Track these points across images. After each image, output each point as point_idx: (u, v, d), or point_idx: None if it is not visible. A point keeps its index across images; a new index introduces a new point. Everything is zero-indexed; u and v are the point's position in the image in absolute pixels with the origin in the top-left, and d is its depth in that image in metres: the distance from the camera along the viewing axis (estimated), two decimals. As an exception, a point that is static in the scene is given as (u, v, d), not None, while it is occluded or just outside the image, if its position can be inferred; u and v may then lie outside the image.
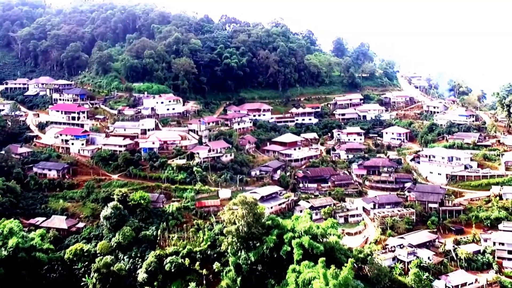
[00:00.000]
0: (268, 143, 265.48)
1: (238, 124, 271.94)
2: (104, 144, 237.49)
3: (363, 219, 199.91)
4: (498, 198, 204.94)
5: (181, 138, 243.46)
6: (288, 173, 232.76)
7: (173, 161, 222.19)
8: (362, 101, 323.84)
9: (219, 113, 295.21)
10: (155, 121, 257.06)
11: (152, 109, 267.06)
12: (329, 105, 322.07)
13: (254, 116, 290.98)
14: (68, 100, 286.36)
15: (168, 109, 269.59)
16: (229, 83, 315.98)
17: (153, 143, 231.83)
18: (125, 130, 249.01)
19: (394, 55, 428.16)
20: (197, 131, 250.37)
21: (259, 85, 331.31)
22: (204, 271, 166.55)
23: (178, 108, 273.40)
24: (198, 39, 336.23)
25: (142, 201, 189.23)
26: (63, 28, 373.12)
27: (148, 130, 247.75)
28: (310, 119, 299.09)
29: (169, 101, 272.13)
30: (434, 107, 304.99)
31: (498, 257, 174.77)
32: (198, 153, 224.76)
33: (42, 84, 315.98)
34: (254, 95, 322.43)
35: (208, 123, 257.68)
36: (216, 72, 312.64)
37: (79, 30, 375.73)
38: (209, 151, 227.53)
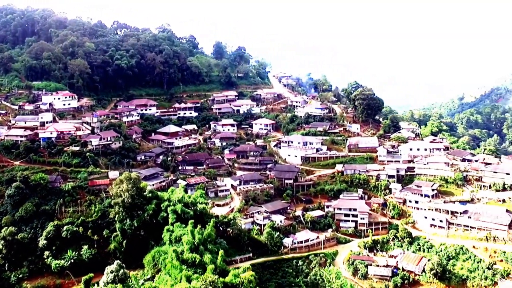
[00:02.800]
0: (153, 134, 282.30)
1: (127, 117, 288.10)
2: (7, 135, 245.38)
3: (230, 194, 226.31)
4: (340, 174, 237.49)
5: (76, 129, 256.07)
6: (169, 158, 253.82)
7: (68, 148, 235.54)
8: (236, 97, 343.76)
9: (110, 108, 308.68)
10: (53, 114, 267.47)
11: (50, 104, 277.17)
12: (208, 101, 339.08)
13: (142, 110, 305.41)
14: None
15: (64, 105, 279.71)
16: (119, 81, 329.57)
17: (51, 133, 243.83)
18: (25, 123, 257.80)
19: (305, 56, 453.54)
20: (90, 123, 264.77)
21: (146, 84, 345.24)
22: (96, 237, 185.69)
23: (73, 103, 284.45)
24: (92, 42, 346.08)
25: (42, 181, 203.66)
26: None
27: (46, 122, 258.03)
28: (190, 113, 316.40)
29: (65, 98, 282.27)
30: (297, 102, 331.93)
31: (337, 220, 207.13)
32: (90, 141, 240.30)
33: None
34: (142, 92, 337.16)
35: (100, 116, 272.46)
36: (108, 72, 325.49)
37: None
38: (100, 139, 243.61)
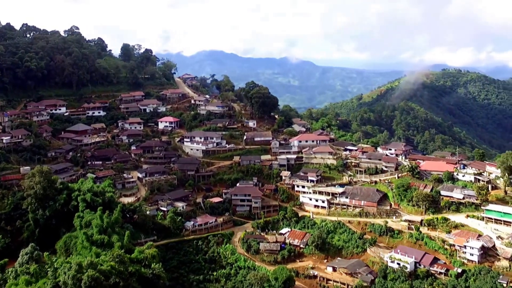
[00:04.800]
0: (63, 132, 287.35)
1: (37, 117, 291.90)
2: None
3: (137, 185, 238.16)
4: (237, 165, 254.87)
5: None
6: (79, 154, 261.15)
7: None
8: (143, 97, 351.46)
9: (20, 108, 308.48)
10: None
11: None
12: (116, 101, 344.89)
13: (52, 110, 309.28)
14: None
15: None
16: (29, 83, 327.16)
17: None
18: None
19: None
20: (1, 123, 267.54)
21: (56, 85, 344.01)
22: (9, 228, 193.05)
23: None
24: (1, 45, 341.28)
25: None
26: None
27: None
28: (99, 112, 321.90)
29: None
30: (200, 101, 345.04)
31: (234, 205, 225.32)
32: (2, 139, 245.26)
33: None
34: (52, 93, 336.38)
35: (11, 116, 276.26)
36: (18, 74, 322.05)
37: None
38: (12, 137, 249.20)
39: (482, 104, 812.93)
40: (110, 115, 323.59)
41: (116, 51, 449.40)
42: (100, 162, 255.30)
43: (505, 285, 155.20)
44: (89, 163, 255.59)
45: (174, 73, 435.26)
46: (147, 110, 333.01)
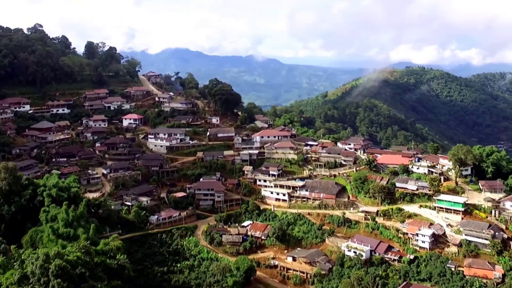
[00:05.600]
0: (27, 130, 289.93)
1: (1, 115, 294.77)
2: None
3: (101, 181, 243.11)
4: (201, 160, 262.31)
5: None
6: (43, 151, 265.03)
7: None
8: (108, 94, 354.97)
9: None
10: None
11: None
12: (80, 99, 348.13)
13: (16, 108, 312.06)
14: None
15: None
16: None
17: None
18: None
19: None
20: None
21: (20, 83, 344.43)
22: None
23: None
24: None
25: None
26: None
27: None
28: (63, 110, 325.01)
29: None
30: (164, 98, 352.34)
31: (197, 199, 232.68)
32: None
33: None
34: (16, 91, 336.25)
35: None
36: None
37: None
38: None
39: (444, 101, 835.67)
40: (75, 113, 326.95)
41: (80, 49, 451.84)
42: (65, 159, 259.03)
43: (453, 269, 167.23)
44: (53, 160, 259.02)
45: (139, 71, 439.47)
46: (112, 108, 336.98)
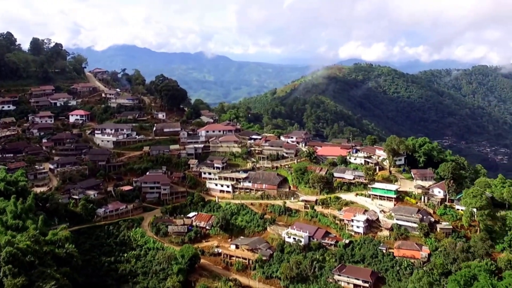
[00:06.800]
0: None
1: None
2: None
3: (48, 176, 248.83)
4: (147, 154, 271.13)
5: None
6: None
7: None
8: (54, 91, 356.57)
9: None
10: None
11: None
12: (26, 95, 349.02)
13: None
14: None
15: None
16: None
17: None
18: None
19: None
20: None
21: None
22: None
23: None
24: None
25: None
26: None
27: None
28: (9, 107, 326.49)
29: None
30: (110, 94, 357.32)
31: (143, 192, 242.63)
32: None
33: None
34: None
35: None
36: None
37: None
38: None
39: (392, 97, 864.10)
40: (20, 109, 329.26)
41: (25, 45, 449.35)
42: (12, 155, 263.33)
43: (384, 251, 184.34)
44: (0, 156, 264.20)
45: (85, 67, 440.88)
46: (58, 104, 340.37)
